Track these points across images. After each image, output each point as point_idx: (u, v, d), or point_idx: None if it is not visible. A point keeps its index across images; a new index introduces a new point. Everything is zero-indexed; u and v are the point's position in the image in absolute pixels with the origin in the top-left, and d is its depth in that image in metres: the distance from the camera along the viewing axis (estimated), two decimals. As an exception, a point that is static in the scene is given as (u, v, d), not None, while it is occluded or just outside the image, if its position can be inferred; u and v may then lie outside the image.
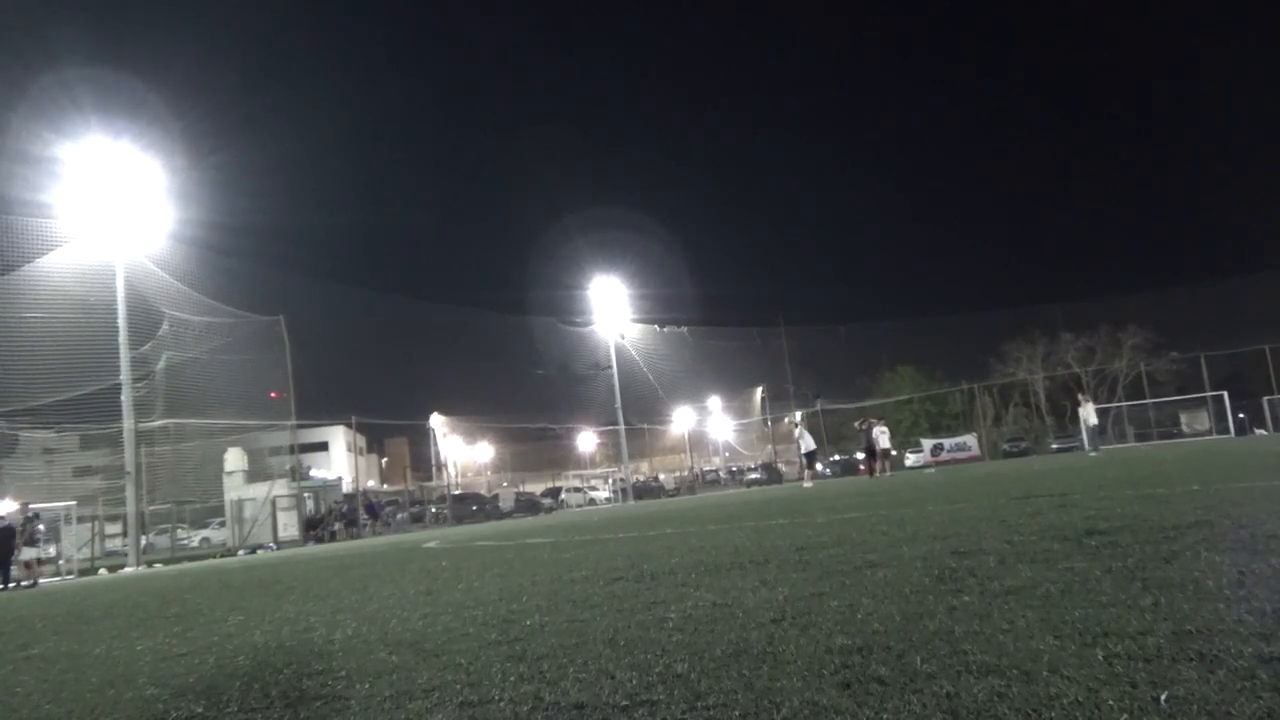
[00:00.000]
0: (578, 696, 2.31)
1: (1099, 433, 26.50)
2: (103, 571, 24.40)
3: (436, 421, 64.38)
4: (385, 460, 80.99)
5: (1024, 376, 53.06)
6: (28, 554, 20.02)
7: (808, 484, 24.35)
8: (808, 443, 25.45)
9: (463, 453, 72.17)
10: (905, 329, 63.33)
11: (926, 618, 2.78)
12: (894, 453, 29.75)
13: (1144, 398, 44.17)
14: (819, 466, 38.55)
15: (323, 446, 65.72)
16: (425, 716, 2.33)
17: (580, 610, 3.85)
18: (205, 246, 33.62)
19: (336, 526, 33.47)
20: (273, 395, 34.84)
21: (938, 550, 4.48)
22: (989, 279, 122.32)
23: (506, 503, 42.66)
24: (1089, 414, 25.29)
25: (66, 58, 65.57)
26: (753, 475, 52.84)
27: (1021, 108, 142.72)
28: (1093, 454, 23.07)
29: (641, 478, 57.93)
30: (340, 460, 64.13)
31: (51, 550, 24.50)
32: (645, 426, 58.44)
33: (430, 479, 59.61)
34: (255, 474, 36.98)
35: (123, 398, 26.75)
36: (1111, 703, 1.77)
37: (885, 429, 29.19)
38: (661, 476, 59.57)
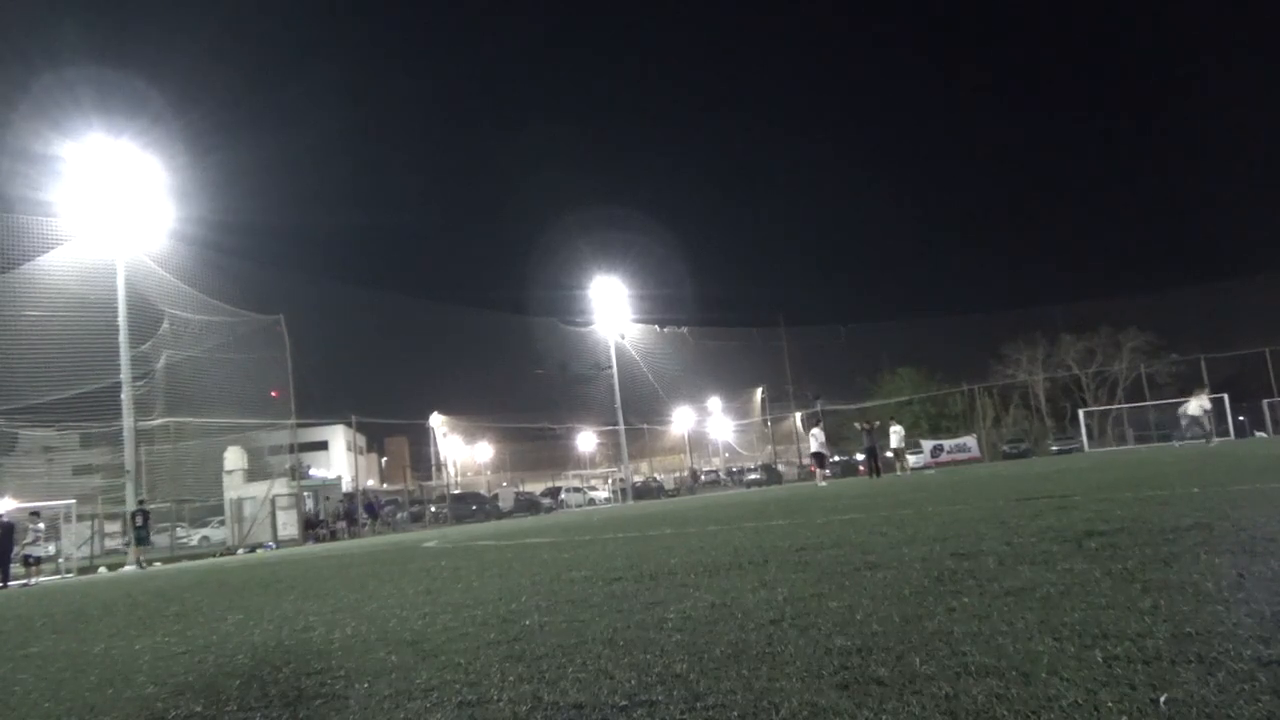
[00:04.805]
0: (576, 696, 2.31)
1: (1201, 425, 25.33)
2: (102, 570, 24.41)
3: (436, 421, 64.39)
4: (385, 459, 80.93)
5: (1024, 378, 53.06)
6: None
7: (821, 483, 24.51)
8: (816, 443, 25.66)
9: (462, 452, 72.14)
10: (905, 330, 63.52)
11: (926, 619, 2.78)
12: (889, 454, 29.73)
13: (1144, 400, 44.14)
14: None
15: (322, 445, 65.60)
16: (424, 716, 2.33)
17: (579, 610, 3.85)
18: (206, 245, 33.69)
19: (337, 526, 33.48)
20: (273, 394, 34.85)
21: (937, 551, 4.48)
22: (989, 280, 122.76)
23: (506, 502, 42.64)
24: (1203, 401, 24.37)
25: (67, 56, 65.61)
26: (752, 476, 52.86)
27: (1023, 109, 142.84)
28: (1178, 446, 22.85)
29: (641, 478, 57.91)
30: (340, 459, 64.04)
31: (51, 549, 24.54)
32: (645, 426, 58.44)
33: (430, 478, 59.59)
34: (255, 473, 36.96)
35: (123, 396, 26.74)
36: (1110, 704, 1.77)
37: (900, 428, 29.34)
38: (661, 477, 59.56)
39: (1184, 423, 24.92)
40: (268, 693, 2.86)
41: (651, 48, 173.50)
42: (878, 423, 29.70)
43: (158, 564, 24.10)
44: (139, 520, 24.84)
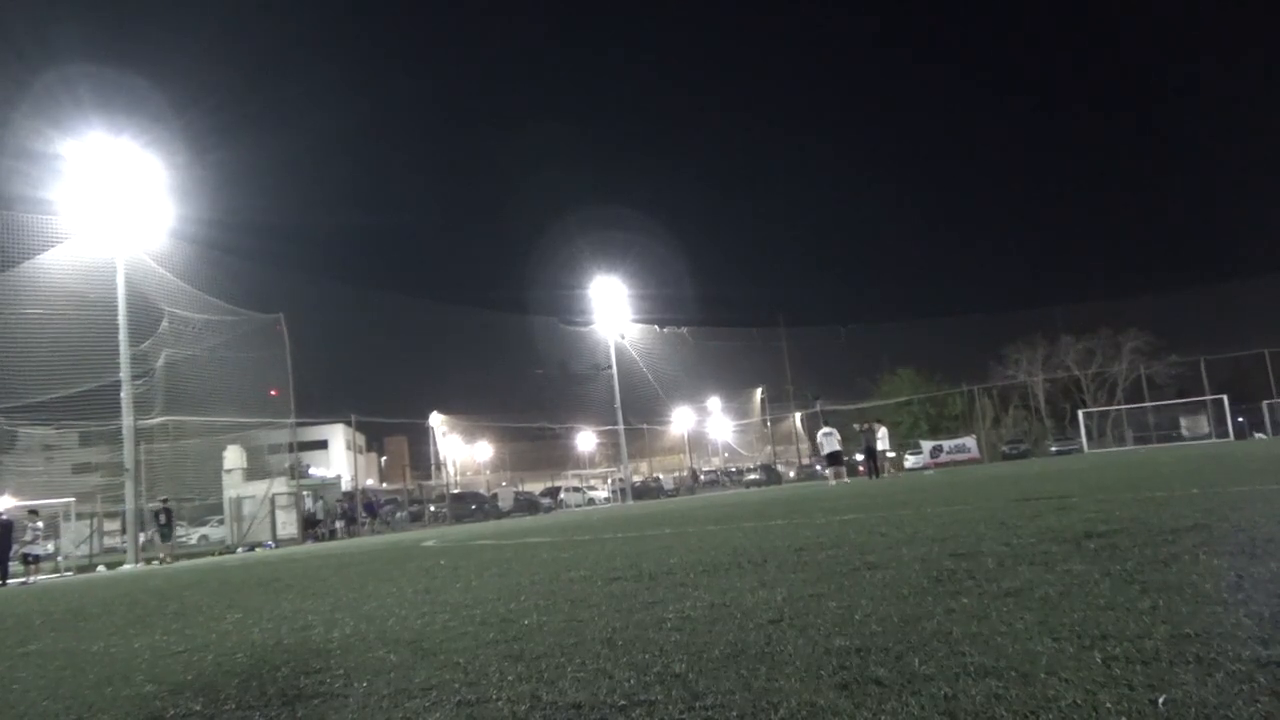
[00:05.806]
0: (575, 696, 2.31)
1: None
2: (101, 568, 24.39)
3: (436, 420, 64.29)
4: (384, 459, 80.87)
5: (1024, 379, 53.08)
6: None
7: (835, 481, 24.60)
8: (830, 444, 25.79)
9: (462, 452, 72.05)
10: (905, 330, 63.63)
11: (925, 619, 2.78)
12: (892, 454, 29.84)
13: (1143, 401, 44.14)
14: (818, 467, 38.56)
15: (322, 444, 65.55)
16: (423, 715, 2.33)
17: (578, 610, 3.85)
18: (206, 244, 33.60)
19: (336, 525, 33.47)
20: (272, 393, 34.82)
21: (936, 552, 4.48)
22: (989, 281, 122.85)
23: (505, 502, 42.57)
24: None
25: (68, 54, 65.36)
26: (751, 476, 52.85)
27: (1022, 110, 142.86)
28: None
29: (641, 478, 57.89)
30: (339, 458, 63.98)
31: (50, 547, 24.55)
32: (645, 426, 58.38)
33: (429, 478, 59.51)
34: (254, 472, 36.94)
35: (122, 394, 26.71)
36: (1109, 705, 1.77)
37: (885, 430, 29.48)
38: (661, 477, 59.54)
39: None
40: (266, 691, 2.86)
41: (651, 48, 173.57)
42: (877, 424, 29.79)
43: (156, 562, 24.10)
44: (163, 518, 25.63)
